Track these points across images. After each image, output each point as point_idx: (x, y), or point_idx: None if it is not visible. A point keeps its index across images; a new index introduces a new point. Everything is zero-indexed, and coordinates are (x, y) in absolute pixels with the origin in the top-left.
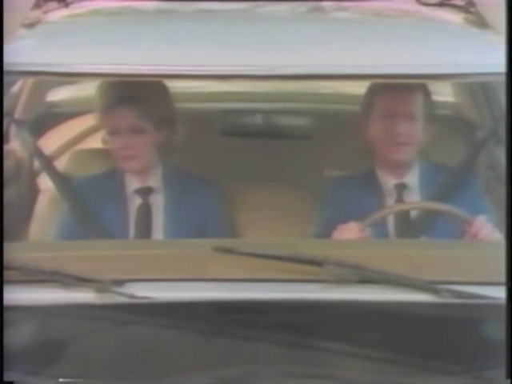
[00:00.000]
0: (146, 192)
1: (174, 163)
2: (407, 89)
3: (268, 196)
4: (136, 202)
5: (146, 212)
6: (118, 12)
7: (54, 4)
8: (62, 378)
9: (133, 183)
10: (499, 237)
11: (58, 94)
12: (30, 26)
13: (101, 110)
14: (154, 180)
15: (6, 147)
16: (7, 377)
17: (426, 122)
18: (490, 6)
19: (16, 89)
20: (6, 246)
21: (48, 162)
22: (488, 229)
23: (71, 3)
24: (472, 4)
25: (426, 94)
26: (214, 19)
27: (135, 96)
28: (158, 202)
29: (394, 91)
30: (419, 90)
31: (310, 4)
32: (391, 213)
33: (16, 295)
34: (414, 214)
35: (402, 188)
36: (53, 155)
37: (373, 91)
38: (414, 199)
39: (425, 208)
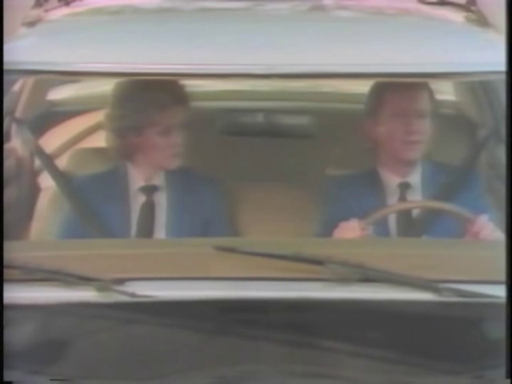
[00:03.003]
0: (149, 190)
1: (177, 162)
2: (414, 87)
3: (270, 195)
4: (139, 200)
5: (148, 210)
6: (119, 10)
7: (55, 2)
8: (63, 377)
9: (136, 182)
10: (500, 236)
11: (59, 93)
12: (31, 24)
13: (149, 108)
14: (158, 178)
15: (6, 146)
16: (7, 376)
17: (432, 119)
18: (491, 4)
19: (17, 88)
20: (7, 244)
21: (49, 161)
22: (489, 228)
23: (72, 2)
24: (473, 2)
25: (430, 92)
26: (215, 18)
27: (184, 95)
28: (160, 201)
29: (402, 89)
30: (424, 88)
31: (311, 2)
32: (392, 212)
33: (17, 294)
34: (415, 212)
35: (404, 187)
36: (54, 154)
37: (379, 90)
38: (417, 198)
39: (426, 207)
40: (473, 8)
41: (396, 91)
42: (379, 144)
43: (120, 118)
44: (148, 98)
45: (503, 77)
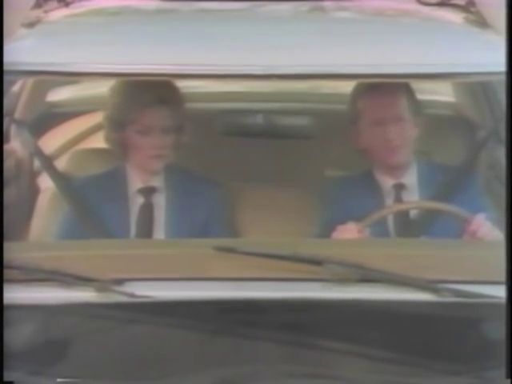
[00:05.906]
0: (148, 192)
1: (176, 163)
2: (391, 91)
3: (269, 196)
4: (138, 201)
5: (148, 212)
6: (118, 11)
7: (55, 3)
8: (63, 377)
9: (135, 183)
10: (499, 235)
11: (58, 94)
12: (31, 25)
13: (132, 107)
14: (157, 180)
15: (6, 147)
16: (7, 376)
17: (414, 119)
18: (491, 5)
19: (16, 88)
20: (7, 245)
21: (48, 162)
22: (487, 227)
23: (71, 3)
24: (472, 4)
25: (409, 92)
26: (215, 19)
27: (169, 96)
28: (160, 201)
29: (379, 96)
30: (402, 90)
31: (311, 3)
32: (389, 213)
33: (16, 294)
34: (413, 213)
35: (400, 188)
36: (53, 155)
37: (356, 96)
38: (413, 199)
39: (423, 207)
40: (472, 9)
41: (372, 99)
42: (365, 151)
43: (110, 115)
44: (132, 96)
45: (502, 77)
